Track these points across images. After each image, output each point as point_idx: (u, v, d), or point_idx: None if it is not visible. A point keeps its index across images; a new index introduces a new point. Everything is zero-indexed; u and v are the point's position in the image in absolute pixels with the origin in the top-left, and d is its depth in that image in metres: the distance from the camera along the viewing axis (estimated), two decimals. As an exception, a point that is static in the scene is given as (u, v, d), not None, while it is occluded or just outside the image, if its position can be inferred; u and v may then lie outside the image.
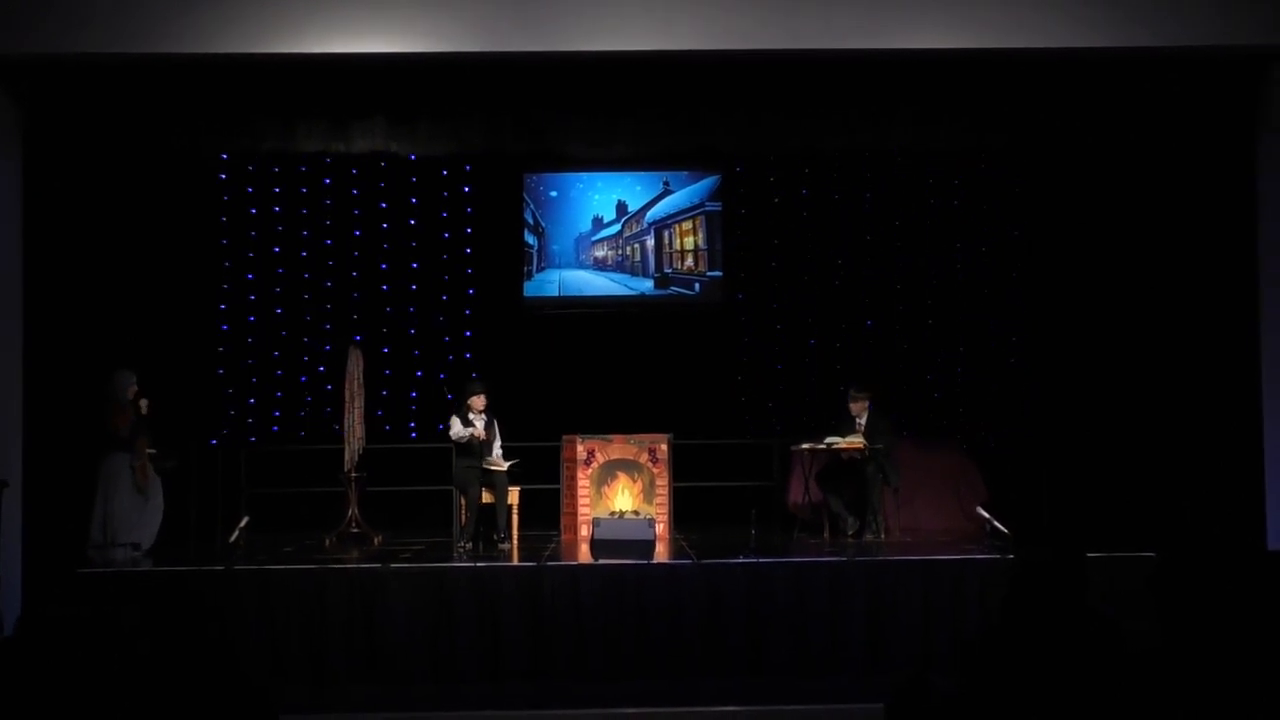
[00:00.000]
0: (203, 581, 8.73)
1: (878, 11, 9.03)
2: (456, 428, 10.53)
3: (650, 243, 13.28)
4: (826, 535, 10.70)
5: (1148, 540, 9.07)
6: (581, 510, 11.29)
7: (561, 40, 9.06)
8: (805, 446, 11.01)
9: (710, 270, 13.23)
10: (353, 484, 10.80)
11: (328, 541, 10.43)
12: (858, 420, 10.93)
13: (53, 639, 2.95)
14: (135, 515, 9.91)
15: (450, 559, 9.53)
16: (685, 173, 13.23)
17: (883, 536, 10.59)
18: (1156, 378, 10.85)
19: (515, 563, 9.32)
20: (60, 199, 9.80)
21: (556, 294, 13.25)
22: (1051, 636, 3.24)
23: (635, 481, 11.48)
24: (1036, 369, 12.58)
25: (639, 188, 13.28)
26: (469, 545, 10.13)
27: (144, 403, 9.94)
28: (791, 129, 10.02)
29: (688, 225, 13.30)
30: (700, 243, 13.26)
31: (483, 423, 10.55)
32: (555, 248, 13.27)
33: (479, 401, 10.59)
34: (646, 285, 13.29)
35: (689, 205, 13.28)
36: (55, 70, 9.27)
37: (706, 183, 13.24)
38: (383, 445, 12.04)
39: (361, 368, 11.10)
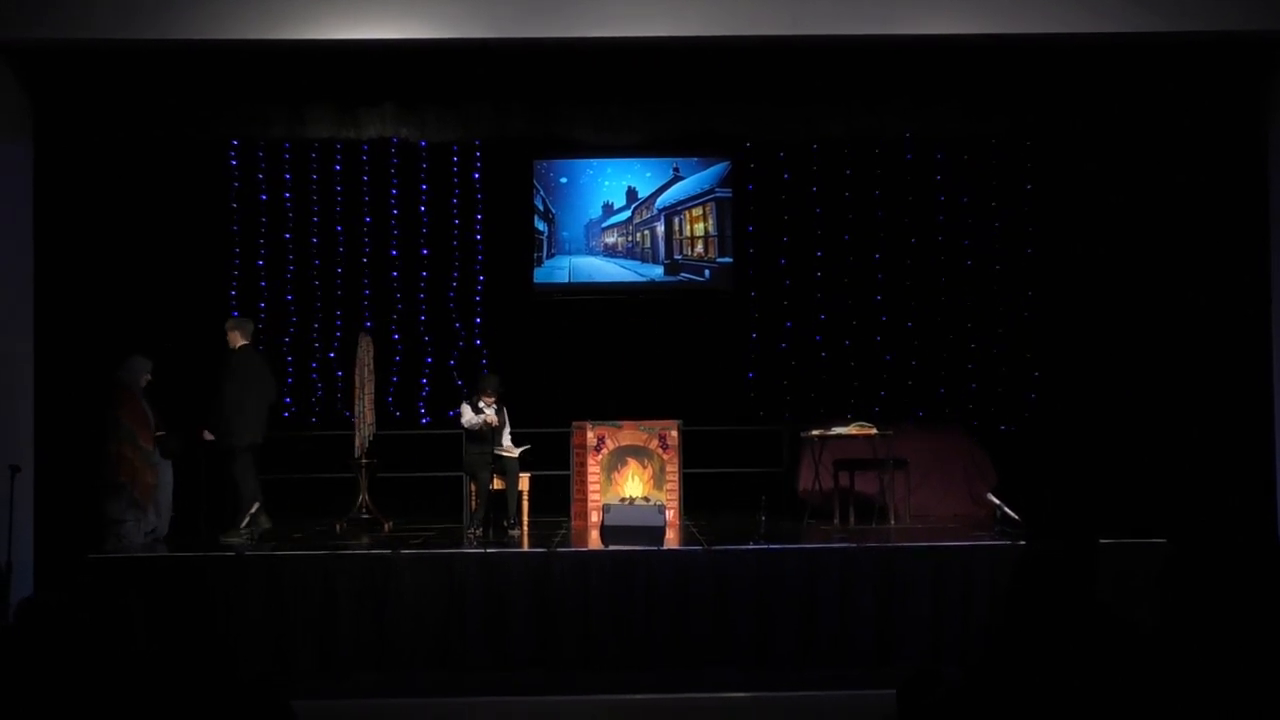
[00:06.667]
0: (213, 567, 8.76)
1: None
2: (468, 415, 10.55)
3: (660, 229, 13.27)
4: (836, 521, 10.71)
5: (1157, 526, 9.07)
6: (591, 496, 11.31)
7: (571, 26, 9.04)
8: (815, 433, 11.03)
9: (720, 256, 13.21)
10: (363, 470, 10.82)
11: (338, 528, 10.45)
12: None
13: (55, 625, 2.95)
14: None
15: (460, 545, 9.55)
16: (695, 159, 13.20)
17: (892, 523, 10.61)
18: (1167, 363, 10.81)
19: (525, 549, 9.34)
20: (71, 186, 9.81)
21: (566, 280, 13.24)
22: (1058, 628, 3.25)
23: (645, 468, 11.49)
24: (1046, 353, 12.55)
25: (649, 174, 13.26)
26: (479, 531, 10.14)
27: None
28: (801, 115, 10.02)
29: (698, 211, 13.28)
30: (710, 229, 13.25)
31: (493, 410, 10.57)
32: (565, 234, 13.26)
33: (489, 396, 10.59)
34: (657, 272, 13.28)
35: (699, 191, 13.27)
36: (65, 57, 9.28)
37: (716, 169, 13.22)
38: (393, 431, 12.08)
39: (372, 354, 11.12)
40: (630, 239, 13.27)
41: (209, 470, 10.65)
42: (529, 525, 10.61)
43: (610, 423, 11.52)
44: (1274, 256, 9.46)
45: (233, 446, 10.25)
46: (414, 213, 12.96)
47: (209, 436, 10.22)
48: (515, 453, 10.57)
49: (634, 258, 13.27)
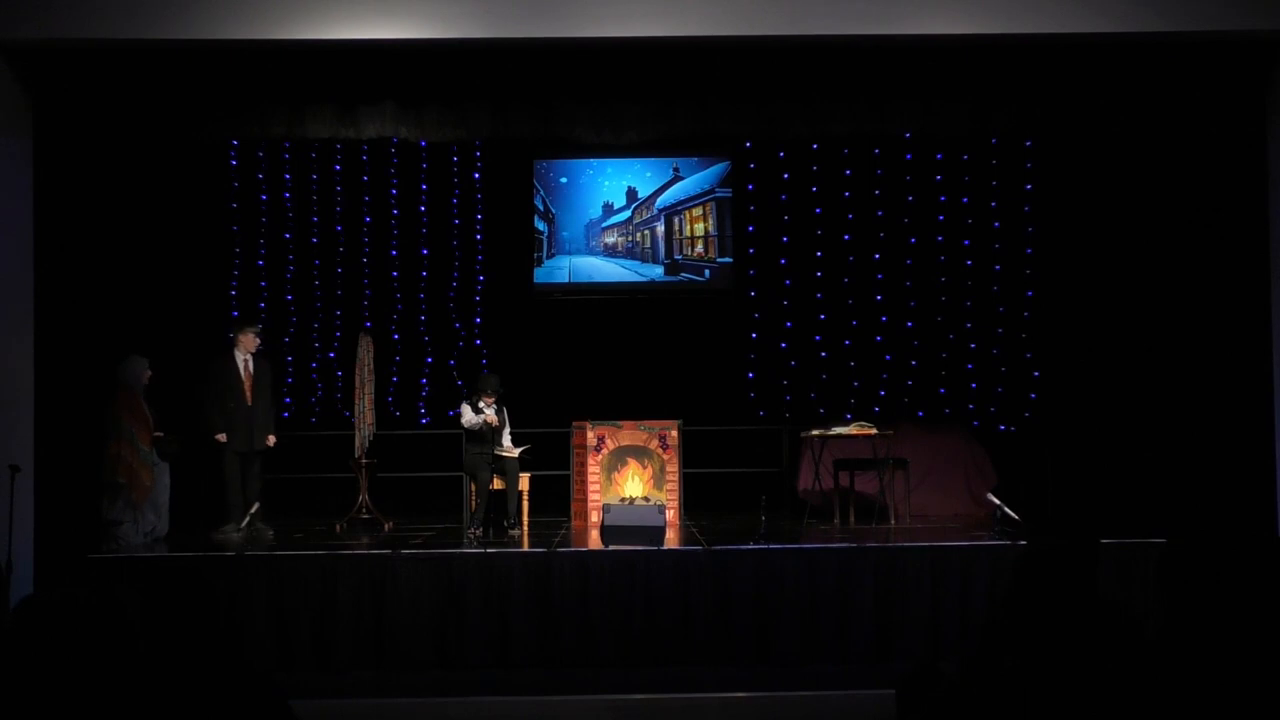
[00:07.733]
0: (213, 567, 8.76)
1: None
2: (468, 415, 10.56)
3: (660, 229, 13.27)
4: (836, 521, 10.71)
5: (1158, 526, 9.07)
6: (591, 496, 11.32)
7: (571, 26, 9.04)
8: (815, 432, 11.04)
9: (720, 256, 13.21)
10: (363, 470, 10.83)
11: (338, 527, 10.47)
12: None
13: (52, 622, 2.94)
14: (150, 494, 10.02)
15: (460, 545, 9.55)
16: (695, 159, 13.20)
17: (892, 522, 10.61)
18: (1167, 361, 10.82)
19: (525, 549, 9.34)
20: (71, 185, 9.81)
21: (566, 280, 13.24)
22: (1060, 624, 3.24)
23: (645, 468, 11.50)
24: (1047, 352, 12.54)
25: (649, 174, 13.26)
26: (479, 531, 10.14)
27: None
28: (801, 114, 10.00)
29: (698, 211, 13.28)
30: (710, 229, 13.25)
31: (493, 410, 10.57)
32: (565, 234, 13.26)
33: (489, 396, 10.59)
34: (657, 272, 13.28)
35: (699, 191, 13.27)
36: (66, 56, 9.27)
37: (716, 169, 13.22)
38: (393, 431, 12.08)
39: (372, 354, 11.12)
40: (630, 239, 13.27)
41: (209, 471, 10.65)
42: (529, 525, 10.62)
43: (610, 423, 11.53)
44: (1274, 256, 9.46)
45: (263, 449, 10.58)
46: (414, 213, 12.95)
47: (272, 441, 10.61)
48: (515, 453, 10.58)
49: (634, 258, 13.27)
